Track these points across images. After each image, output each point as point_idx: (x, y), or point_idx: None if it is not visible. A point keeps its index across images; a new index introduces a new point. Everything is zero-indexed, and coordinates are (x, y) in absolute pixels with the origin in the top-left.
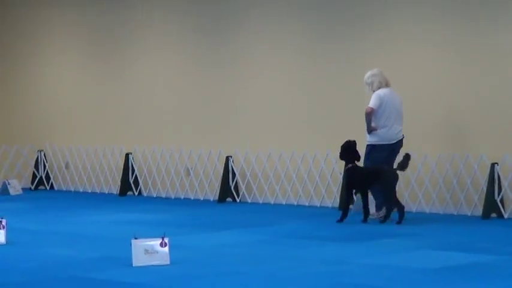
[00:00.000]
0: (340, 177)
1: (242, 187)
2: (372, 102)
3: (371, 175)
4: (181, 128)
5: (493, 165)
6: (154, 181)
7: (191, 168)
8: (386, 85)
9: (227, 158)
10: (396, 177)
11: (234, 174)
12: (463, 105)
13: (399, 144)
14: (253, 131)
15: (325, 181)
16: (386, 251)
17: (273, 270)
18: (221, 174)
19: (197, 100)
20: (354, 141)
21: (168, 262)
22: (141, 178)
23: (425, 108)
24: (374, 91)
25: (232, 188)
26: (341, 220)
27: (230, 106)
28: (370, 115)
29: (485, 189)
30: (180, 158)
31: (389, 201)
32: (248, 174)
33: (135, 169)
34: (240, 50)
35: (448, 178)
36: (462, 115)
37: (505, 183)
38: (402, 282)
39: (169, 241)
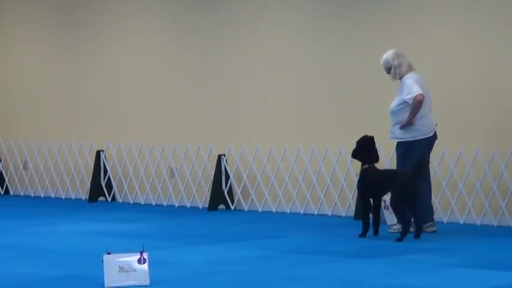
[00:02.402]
0: (355, 180)
1: (237, 192)
2: (416, 89)
3: (385, 179)
4: (163, 121)
5: None
6: (131, 184)
7: (176, 169)
8: (412, 67)
9: (219, 157)
10: (411, 185)
11: (227, 177)
12: (502, 92)
13: (435, 136)
14: (250, 125)
15: (338, 185)
16: (411, 270)
17: None
18: (212, 176)
19: (183, 88)
20: (372, 137)
21: (148, 282)
22: (115, 181)
23: (459, 98)
24: (402, 76)
25: (225, 192)
26: (363, 235)
27: (222, 96)
28: (421, 104)
29: None
30: (162, 156)
31: (401, 214)
32: (245, 176)
33: (108, 170)
34: (235, 31)
35: (487, 181)
36: (501, 104)
37: None
38: None
39: (148, 257)
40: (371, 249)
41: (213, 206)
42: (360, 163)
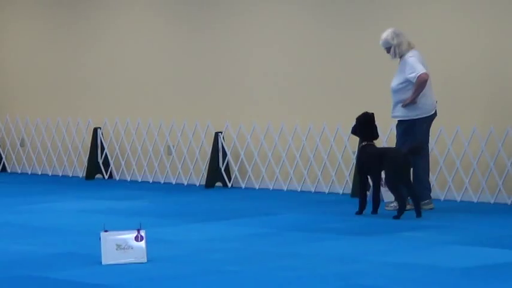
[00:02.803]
0: (353, 158)
1: (234, 169)
2: (420, 67)
3: (379, 157)
4: (160, 98)
5: None
6: (128, 162)
7: (173, 147)
8: (411, 46)
9: (216, 134)
10: (404, 162)
11: (224, 154)
12: (500, 70)
13: (435, 114)
14: (247, 102)
15: (335, 162)
16: (408, 247)
17: (271, 269)
18: (209, 153)
19: (180, 64)
20: (372, 113)
21: (145, 259)
22: (112, 158)
23: (457, 76)
24: (402, 55)
25: (222, 170)
26: (360, 212)
27: (219, 71)
28: (425, 83)
29: (511, 171)
30: (159, 133)
31: (396, 192)
32: (242, 153)
33: (105, 147)
34: (233, 6)
35: (484, 158)
36: (499, 82)
37: None
38: (428, 283)
39: (146, 234)
40: (367, 227)
41: (210, 183)
42: (357, 141)
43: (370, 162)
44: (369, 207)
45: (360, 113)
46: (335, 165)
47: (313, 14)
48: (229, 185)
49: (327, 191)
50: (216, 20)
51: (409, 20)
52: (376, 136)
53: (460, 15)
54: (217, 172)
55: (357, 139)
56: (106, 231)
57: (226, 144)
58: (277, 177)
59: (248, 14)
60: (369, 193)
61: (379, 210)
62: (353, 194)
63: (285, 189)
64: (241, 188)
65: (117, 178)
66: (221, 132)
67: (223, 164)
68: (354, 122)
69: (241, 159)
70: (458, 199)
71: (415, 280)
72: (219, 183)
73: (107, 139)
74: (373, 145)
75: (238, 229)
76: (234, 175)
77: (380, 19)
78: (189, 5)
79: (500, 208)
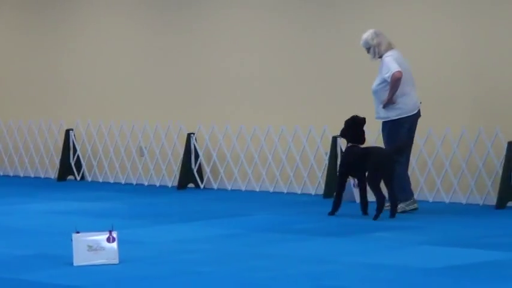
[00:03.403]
0: (325, 159)
1: (207, 170)
2: (394, 66)
3: (363, 157)
4: (133, 100)
5: (510, 144)
6: (101, 163)
7: (145, 148)
8: (391, 46)
9: (189, 136)
10: (387, 162)
11: (197, 155)
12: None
13: (419, 114)
14: (220, 103)
15: (308, 163)
16: (380, 248)
17: (243, 270)
18: (181, 154)
19: (152, 66)
20: (363, 118)
21: (117, 261)
22: (84, 159)
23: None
24: (382, 55)
25: (194, 171)
26: (332, 213)
27: (192, 74)
28: (399, 81)
29: (500, 172)
30: (132, 135)
31: (377, 191)
32: (214, 154)
33: (77, 148)
34: (205, 9)
35: (455, 159)
36: (487, 82)
37: None
38: (399, 284)
39: (117, 235)
40: (339, 228)
41: (182, 184)
42: (329, 141)
43: (356, 162)
44: (346, 207)
45: (331, 114)
46: (307, 166)
47: (284, 16)
48: (202, 186)
49: (299, 192)
50: (188, 22)
51: (393, 21)
52: (363, 141)
53: (444, 15)
54: (189, 173)
55: (329, 140)
56: (78, 232)
57: (199, 145)
58: (249, 178)
59: (220, 15)
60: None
61: (348, 210)
62: (325, 194)
63: (258, 190)
64: (213, 189)
65: (89, 179)
66: (193, 134)
67: (195, 165)
68: (325, 123)
69: (214, 160)
70: (430, 199)
71: (386, 280)
72: (191, 184)
73: (79, 141)
74: (358, 146)
75: (210, 230)
76: (206, 176)
77: (364, 20)
78: (162, 11)
79: (472, 209)
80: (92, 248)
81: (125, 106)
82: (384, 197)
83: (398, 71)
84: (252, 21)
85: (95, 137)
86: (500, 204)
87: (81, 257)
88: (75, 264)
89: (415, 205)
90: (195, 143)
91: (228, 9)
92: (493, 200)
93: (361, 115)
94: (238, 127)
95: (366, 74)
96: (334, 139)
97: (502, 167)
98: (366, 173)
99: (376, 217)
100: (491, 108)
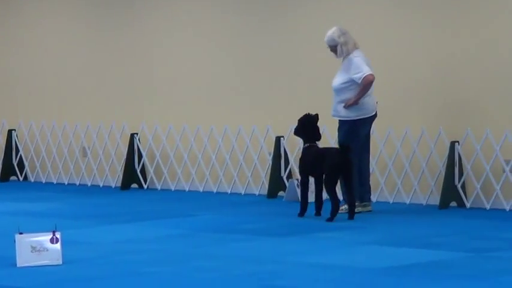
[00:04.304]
0: (269, 159)
1: (150, 171)
2: (366, 68)
3: (321, 158)
4: (76, 100)
5: (452, 144)
6: (44, 163)
7: (88, 148)
8: (357, 46)
9: (132, 136)
10: (343, 163)
11: (140, 155)
12: (419, 72)
13: (376, 115)
14: (163, 103)
15: (251, 163)
16: (325, 248)
17: (187, 271)
18: (125, 155)
19: (95, 66)
20: (315, 115)
21: (60, 261)
22: (27, 160)
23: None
24: (349, 53)
25: (138, 171)
26: (301, 214)
27: (135, 74)
28: (371, 84)
29: (443, 172)
30: (74, 135)
31: (331, 193)
32: (157, 155)
33: (20, 149)
34: (147, 9)
35: (399, 160)
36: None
37: (467, 166)
38: (344, 284)
39: (61, 236)
40: (284, 228)
41: (125, 185)
42: (273, 141)
43: (313, 163)
44: (290, 207)
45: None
46: (251, 167)
47: (227, 16)
48: (145, 186)
49: (243, 192)
50: (132, 22)
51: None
52: (318, 137)
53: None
54: (133, 173)
55: (272, 140)
56: (21, 233)
57: (142, 145)
58: (193, 178)
59: (164, 14)
60: (285, 194)
61: (292, 210)
62: (269, 195)
63: (201, 190)
64: (157, 189)
65: (32, 180)
66: (137, 134)
67: (139, 165)
68: (268, 123)
69: (157, 160)
70: (374, 199)
71: (332, 280)
72: (134, 185)
73: (21, 141)
74: (316, 146)
75: (154, 230)
76: (149, 176)
77: (301, 19)
78: (105, 11)
79: (415, 208)
80: (36, 249)
81: (67, 106)
82: (337, 199)
83: (371, 74)
84: (195, 20)
85: (37, 137)
86: (444, 204)
87: (24, 258)
88: (18, 265)
89: (370, 208)
90: (139, 143)
91: (172, 7)
92: (436, 199)
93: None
94: (181, 127)
95: (310, 74)
96: (278, 139)
97: (445, 167)
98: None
99: (330, 219)
100: (434, 108)
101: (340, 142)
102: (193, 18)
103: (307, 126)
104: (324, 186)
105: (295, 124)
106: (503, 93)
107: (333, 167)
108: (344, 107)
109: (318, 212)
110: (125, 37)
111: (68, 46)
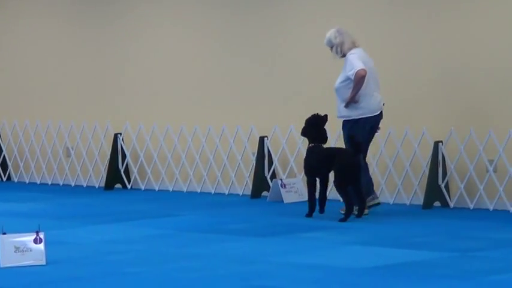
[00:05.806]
0: (253, 159)
1: (134, 171)
2: (358, 64)
3: (328, 158)
4: (59, 99)
5: (436, 143)
6: (27, 163)
7: (72, 148)
8: (355, 44)
9: (115, 136)
10: (353, 164)
11: (124, 155)
12: (402, 73)
13: (381, 116)
14: (147, 103)
15: (235, 163)
16: (308, 248)
17: (172, 271)
18: (108, 155)
19: (79, 66)
20: (324, 116)
21: (44, 262)
22: (10, 160)
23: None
24: (345, 53)
25: (122, 171)
26: (309, 214)
27: (119, 74)
28: (363, 79)
29: (427, 172)
30: (58, 135)
31: (345, 194)
32: (141, 155)
33: (3, 149)
34: (130, 6)
35: (382, 159)
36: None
37: (450, 166)
38: (328, 284)
39: (45, 236)
40: (268, 228)
41: (109, 185)
42: (257, 142)
43: (318, 163)
44: (272, 207)
45: (258, 114)
46: (235, 167)
47: (209, 13)
48: (129, 186)
49: (226, 192)
50: (114, 19)
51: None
52: (325, 139)
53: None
54: (116, 173)
55: (256, 140)
56: (4, 233)
57: (126, 145)
58: (176, 178)
59: (144, 12)
60: (268, 194)
61: (280, 209)
62: (253, 195)
63: (185, 190)
64: (140, 189)
65: (16, 180)
66: (120, 134)
67: (122, 165)
68: (252, 123)
69: (141, 160)
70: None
71: (316, 280)
72: (118, 185)
73: (5, 141)
74: (321, 146)
75: (138, 230)
76: (133, 176)
77: (281, 17)
78: (88, 7)
79: (399, 208)
80: (19, 249)
81: (51, 106)
82: (352, 200)
83: (362, 69)
84: (180, 20)
85: (21, 137)
86: (427, 204)
87: (8, 258)
88: (1, 265)
89: (377, 200)
90: (122, 143)
91: (155, 7)
92: (420, 199)
93: (291, 115)
94: (165, 127)
95: (295, 73)
96: (261, 139)
97: (428, 167)
98: (333, 175)
99: (344, 220)
100: (417, 108)
101: (348, 139)
102: (177, 18)
103: (315, 127)
104: (336, 188)
105: (279, 124)
106: (487, 92)
107: (343, 168)
108: (344, 106)
109: (321, 210)
110: (108, 36)
111: (50, 45)
